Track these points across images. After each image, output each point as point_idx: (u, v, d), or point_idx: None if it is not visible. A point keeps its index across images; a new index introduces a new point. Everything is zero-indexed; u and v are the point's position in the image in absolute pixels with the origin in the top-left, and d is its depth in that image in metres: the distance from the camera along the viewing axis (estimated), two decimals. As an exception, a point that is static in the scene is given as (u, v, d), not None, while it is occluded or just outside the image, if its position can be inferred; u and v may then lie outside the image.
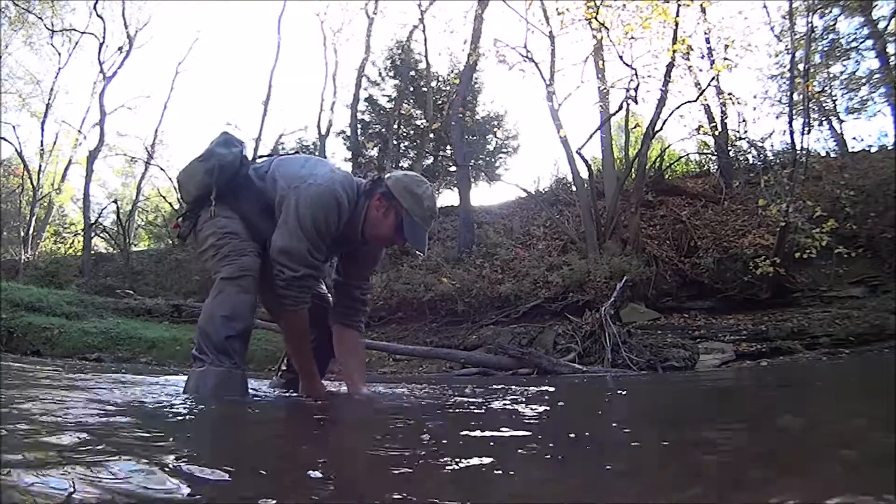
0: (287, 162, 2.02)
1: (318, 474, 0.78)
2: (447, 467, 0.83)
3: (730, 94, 9.59)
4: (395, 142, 15.76)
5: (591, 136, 9.61)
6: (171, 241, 14.77)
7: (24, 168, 19.39)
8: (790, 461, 0.83)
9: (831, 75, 12.73)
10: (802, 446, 0.98)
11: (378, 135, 16.20)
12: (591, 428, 1.41)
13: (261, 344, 5.93)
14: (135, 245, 19.06)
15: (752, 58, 10.00)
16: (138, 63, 29.68)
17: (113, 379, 2.60)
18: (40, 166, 19.57)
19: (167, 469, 0.72)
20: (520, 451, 0.98)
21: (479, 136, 16.19)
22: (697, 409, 1.90)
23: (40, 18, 18.64)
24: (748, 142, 11.02)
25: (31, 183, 19.01)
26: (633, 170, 9.79)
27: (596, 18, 8.36)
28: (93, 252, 15.80)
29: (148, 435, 1.10)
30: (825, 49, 12.04)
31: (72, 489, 0.60)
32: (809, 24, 8.57)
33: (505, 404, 1.77)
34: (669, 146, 12.08)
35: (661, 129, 9.40)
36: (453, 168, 13.77)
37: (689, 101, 8.96)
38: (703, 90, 9.11)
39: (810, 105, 8.47)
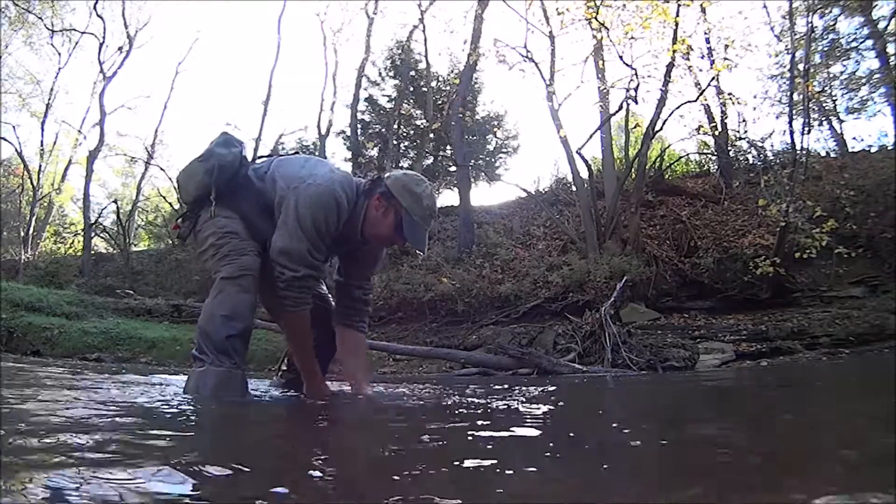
0: (287, 162, 2.02)
1: (318, 474, 0.78)
2: (447, 467, 0.83)
3: (730, 94, 9.59)
4: (395, 142, 15.75)
5: (591, 136, 9.61)
6: (171, 241, 14.76)
7: (24, 168, 19.36)
8: (790, 461, 0.83)
9: (831, 75, 12.73)
10: (802, 446, 0.98)
11: (378, 135, 16.20)
12: (591, 428, 1.41)
13: (261, 344, 5.92)
14: (135, 245, 19.04)
15: (752, 58, 10.01)
16: (138, 63, 29.54)
17: (113, 379, 2.59)
18: (40, 166, 19.55)
19: (167, 469, 0.72)
20: (520, 451, 0.98)
21: (479, 136, 16.18)
22: (697, 409, 1.91)
23: (40, 18, 18.61)
24: (748, 142, 11.02)
25: (31, 183, 18.99)
26: (633, 170, 9.78)
27: (596, 18, 8.36)
28: (93, 252, 15.78)
29: (148, 435, 1.09)
30: (825, 49, 12.04)
31: (77, 488, 0.60)
32: (809, 24, 8.57)
33: (505, 404, 1.77)
34: (669, 146, 12.07)
35: (661, 129, 9.40)
36: (453, 168, 13.76)
37: (689, 101, 8.96)
38: (703, 90, 9.11)
39: (810, 105, 8.46)
